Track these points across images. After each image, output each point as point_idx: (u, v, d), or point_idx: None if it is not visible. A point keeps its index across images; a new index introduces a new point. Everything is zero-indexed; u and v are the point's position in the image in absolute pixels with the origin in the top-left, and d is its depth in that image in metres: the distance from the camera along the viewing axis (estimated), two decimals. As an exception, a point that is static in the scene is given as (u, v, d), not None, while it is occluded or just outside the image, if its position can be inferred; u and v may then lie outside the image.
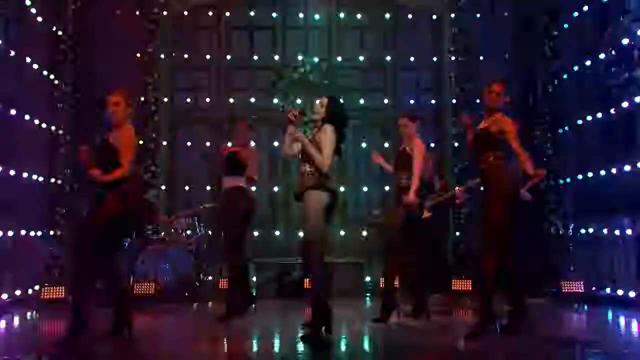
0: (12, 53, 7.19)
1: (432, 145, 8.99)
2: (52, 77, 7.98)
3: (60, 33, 8.16)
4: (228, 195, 5.53)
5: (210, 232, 7.78)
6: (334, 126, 4.50)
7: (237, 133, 5.73)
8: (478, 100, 8.70)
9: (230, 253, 5.50)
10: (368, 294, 7.64)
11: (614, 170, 6.92)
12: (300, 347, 4.30)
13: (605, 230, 7.05)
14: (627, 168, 6.60)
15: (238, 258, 5.49)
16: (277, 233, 8.90)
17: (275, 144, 9.16)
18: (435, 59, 9.34)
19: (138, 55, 8.67)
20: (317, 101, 4.61)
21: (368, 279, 8.03)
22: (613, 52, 6.94)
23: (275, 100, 9.09)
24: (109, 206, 4.23)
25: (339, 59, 9.29)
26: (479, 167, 4.68)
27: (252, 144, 5.72)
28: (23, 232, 7.14)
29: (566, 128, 8.04)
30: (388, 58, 9.37)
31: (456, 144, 8.78)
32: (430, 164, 7.40)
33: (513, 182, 4.68)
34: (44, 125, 7.76)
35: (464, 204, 7.76)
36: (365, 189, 9.20)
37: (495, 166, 4.57)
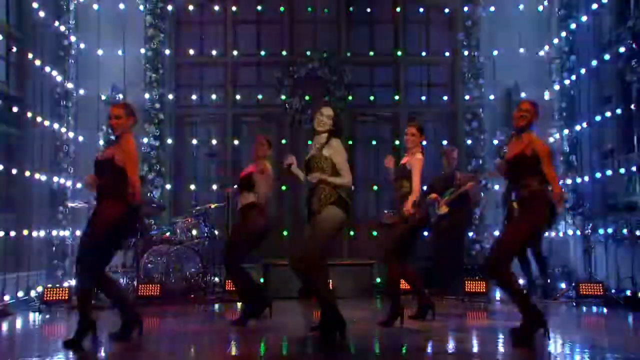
0: (14, 49, 7.06)
1: (445, 142, 8.80)
2: (54, 73, 7.83)
3: (62, 28, 8.01)
4: (243, 212, 5.57)
5: (216, 233, 7.61)
6: (337, 136, 4.61)
7: (255, 149, 5.73)
8: (492, 97, 8.55)
9: (229, 263, 5.53)
10: (378, 296, 7.45)
11: (634, 168, 6.70)
12: (309, 349, 4.23)
13: (625, 230, 6.82)
14: (649, 166, 6.37)
15: (237, 268, 5.50)
16: (285, 234, 8.72)
17: (283, 141, 8.98)
18: (447, 53, 9.11)
19: (142, 51, 8.54)
20: (325, 113, 4.61)
21: (378, 280, 7.84)
22: (634, 46, 6.69)
23: (283, 97, 8.90)
24: (105, 216, 4.27)
25: (348, 54, 9.09)
26: (519, 193, 4.43)
27: (268, 165, 5.63)
28: (25, 231, 7.00)
29: (583, 124, 7.80)
30: (398, 53, 9.16)
31: (469, 142, 8.56)
32: (454, 156, 7.30)
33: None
34: (46, 123, 7.61)
35: (479, 201, 7.55)
36: (375, 187, 9.00)
37: (538, 193, 4.35)
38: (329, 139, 4.54)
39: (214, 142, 8.97)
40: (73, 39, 8.18)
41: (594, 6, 7.58)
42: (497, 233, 7.99)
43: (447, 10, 9.13)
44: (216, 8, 9.11)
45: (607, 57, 7.33)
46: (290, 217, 8.82)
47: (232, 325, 5.30)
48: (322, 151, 4.51)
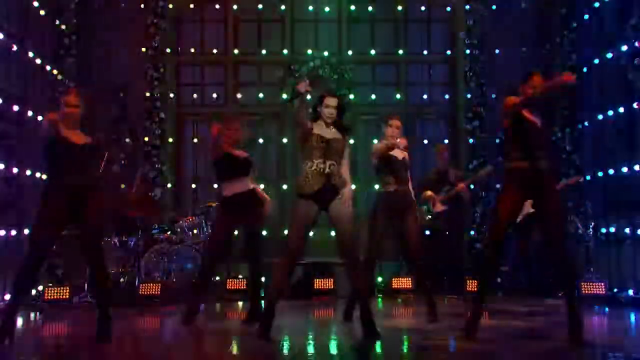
0: (15, 47, 7.03)
1: (446, 141, 8.78)
2: (54, 71, 7.81)
3: (63, 27, 7.99)
4: (251, 196, 5.38)
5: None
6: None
7: (231, 133, 5.38)
8: (494, 96, 8.52)
9: (259, 254, 5.43)
10: (380, 295, 7.43)
11: (637, 167, 6.68)
12: (310, 347, 4.21)
13: (627, 230, 6.80)
14: (652, 164, 6.35)
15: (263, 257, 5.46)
16: (286, 232, 8.69)
17: (284, 140, 8.96)
18: (448, 52, 9.09)
19: (143, 49, 8.52)
20: (332, 104, 4.52)
21: (380, 279, 7.81)
22: (636, 44, 6.67)
23: (284, 96, 8.88)
24: (101, 223, 4.35)
25: (350, 52, 9.07)
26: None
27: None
28: (26, 231, 6.98)
29: (586, 123, 7.79)
30: (400, 52, 9.13)
31: (470, 140, 8.53)
32: (446, 155, 7.27)
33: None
34: (47, 122, 7.58)
35: (471, 201, 7.52)
36: (377, 186, 8.95)
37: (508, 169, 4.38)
38: (347, 130, 4.55)
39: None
40: (74, 37, 8.16)
41: (596, 4, 7.56)
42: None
43: (448, 9, 9.10)
44: (217, 6, 9.09)
45: (609, 55, 7.31)
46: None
47: (243, 324, 5.24)
48: (345, 139, 4.51)
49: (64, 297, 6.54)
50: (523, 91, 4.39)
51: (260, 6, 9.12)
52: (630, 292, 6.55)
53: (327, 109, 4.50)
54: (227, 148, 5.32)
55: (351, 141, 4.70)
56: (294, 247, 4.37)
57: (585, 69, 7.81)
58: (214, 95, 9.12)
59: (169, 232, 7.50)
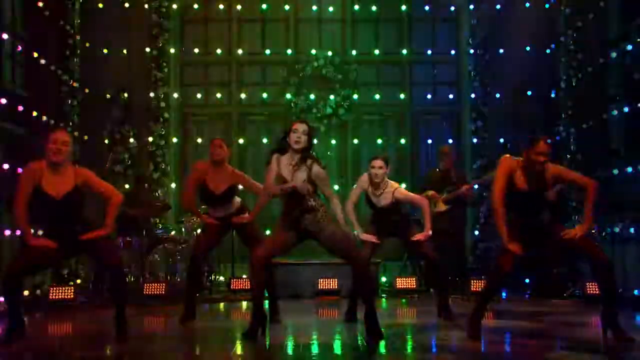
0: (20, 48, 7.06)
1: (450, 141, 8.77)
2: (59, 72, 7.84)
3: (68, 27, 8.02)
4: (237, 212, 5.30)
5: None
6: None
7: (214, 154, 5.24)
8: (498, 95, 8.51)
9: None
10: (384, 295, 7.42)
11: (641, 167, 6.65)
12: (313, 348, 4.21)
13: (632, 230, 6.77)
14: (657, 164, 6.33)
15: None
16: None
17: (288, 140, 8.97)
18: (453, 52, 9.08)
19: (147, 49, 8.54)
20: (300, 129, 4.34)
21: (384, 279, 7.80)
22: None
23: (288, 96, 8.89)
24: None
25: (354, 52, 9.07)
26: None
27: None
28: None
29: (590, 123, 7.75)
30: (404, 51, 9.12)
31: (475, 140, 8.52)
32: (450, 155, 7.25)
33: None
34: (51, 122, 7.62)
35: (475, 202, 7.50)
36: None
37: None
38: (311, 163, 4.33)
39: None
40: (78, 37, 8.18)
41: (602, 3, 7.53)
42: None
43: (452, 9, 9.09)
44: (221, 7, 9.11)
45: (614, 54, 7.28)
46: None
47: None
48: (312, 175, 4.31)
49: (69, 297, 6.55)
50: (527, 157, 4.08)
51: (264, 6, 9.14)
52: (636, 292, 6.52)
53: (294, 134, 4.33)
54: (201, 178, 5.24)
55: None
56: (267, 257, 4.36)
57: (590, 68, 7.78)
58: (218, 95, 9.14)
59: (173, 232, 7.51)
